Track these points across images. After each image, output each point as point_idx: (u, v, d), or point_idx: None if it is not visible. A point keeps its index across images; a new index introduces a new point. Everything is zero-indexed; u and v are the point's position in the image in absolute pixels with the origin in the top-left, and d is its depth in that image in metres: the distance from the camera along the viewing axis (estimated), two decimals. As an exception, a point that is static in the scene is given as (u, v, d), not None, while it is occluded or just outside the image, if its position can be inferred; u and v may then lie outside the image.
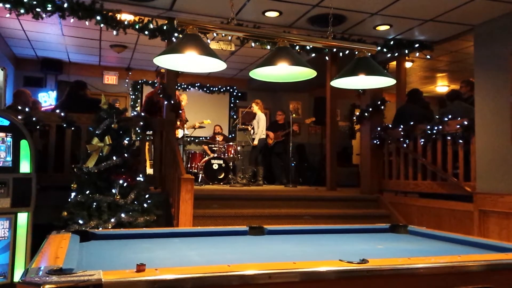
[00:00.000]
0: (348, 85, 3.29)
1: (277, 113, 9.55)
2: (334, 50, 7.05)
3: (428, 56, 7.20)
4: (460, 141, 5.45)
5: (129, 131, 4.90)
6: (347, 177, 9.39)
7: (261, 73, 3.04)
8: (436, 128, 5.74)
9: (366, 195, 6.80)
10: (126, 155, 4.60)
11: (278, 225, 3.34)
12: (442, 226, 5.31)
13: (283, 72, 3.06)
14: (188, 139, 9.50)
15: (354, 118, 9.41)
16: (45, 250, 2.07)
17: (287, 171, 9.12)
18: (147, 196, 4.71)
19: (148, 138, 6.54)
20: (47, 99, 9.53)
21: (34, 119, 5.27)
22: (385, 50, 6.85)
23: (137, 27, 5.86)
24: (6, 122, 4.29)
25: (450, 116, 5.70)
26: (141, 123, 5.86)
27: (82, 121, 5.52)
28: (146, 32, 5.93)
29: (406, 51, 6.98)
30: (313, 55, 7.25)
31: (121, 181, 4.49)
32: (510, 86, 4.87)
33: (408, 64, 7.92)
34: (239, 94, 11.36)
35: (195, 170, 8.56)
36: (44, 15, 5.42)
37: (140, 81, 10.47)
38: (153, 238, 2.76)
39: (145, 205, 4.60)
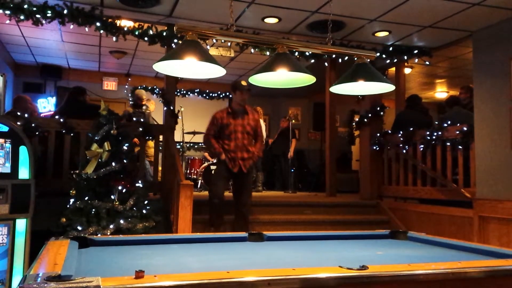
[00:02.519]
0: (347, 91, 3.29)
1: (282, 119, 9.61)
2: (333, 56, 7.07)
3: (427, 62, 7.21)
4: (460, 147, 5.45)
5: (128, 137, 4.90)
6: (346, 183, 9.39)
7: (261, 79, 3.04)
8: (435, 134, 5.75)
9: (365, 201, 6.79)
10: (125, 161, 4.60)
11: (277, 231, 3.33)
12: (442, 232, 5.30)
13: (282, 78, 3.06)
14: (188, 145, 9.49)
15: (354, 124, 9.43)
16: (43, 257, 2.05)
17: (286, 177, 9.11)
18: (146, 202, 4.70)
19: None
20: (47, 105, 9.54)
21: (33, 125, 5.27)
22: (384, 56, 6.86)
23: (136, 33, 5.88)
24: (5, 128, 4.28)
25: (449, 122, 5.70)
26: (140, 129, 5.86)
27: (81, 127, 5.52)
28: (146, 38, 5.95)
29: (405, 57, 7.00)
30: (312, 61, 7.27)
31: (120, 187, 4.48)
32: (509, 92, 4.88)
33: (407, 70, 7.93)
34: (239, 100, 11.36)
35: (194, 176, 8.54)
36: (44, 22, 5.44)
37: (139, 87, 10.46)
38: (152, 244, 2.74)
39: (144, 211, 4.59)
